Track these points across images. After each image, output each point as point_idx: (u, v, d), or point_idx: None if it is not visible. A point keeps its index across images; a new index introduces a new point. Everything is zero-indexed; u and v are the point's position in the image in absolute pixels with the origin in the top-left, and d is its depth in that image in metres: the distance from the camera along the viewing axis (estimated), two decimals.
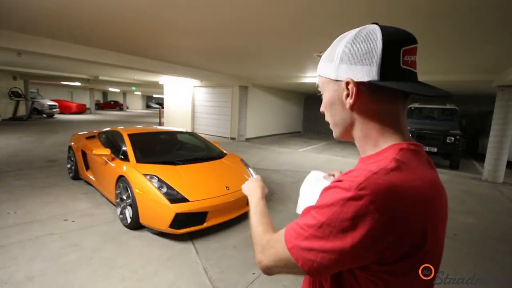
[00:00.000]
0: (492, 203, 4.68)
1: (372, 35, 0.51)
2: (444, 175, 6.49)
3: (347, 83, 0.54)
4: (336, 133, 0.64)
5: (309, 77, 8.28)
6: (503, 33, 3.18)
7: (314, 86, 9.73)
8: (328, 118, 0.63)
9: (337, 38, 0.57)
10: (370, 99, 0.54)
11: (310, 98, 15.14)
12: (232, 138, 10.78)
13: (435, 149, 7.21)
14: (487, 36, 3.36)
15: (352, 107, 0.56)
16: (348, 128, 0.60)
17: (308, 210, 0.51)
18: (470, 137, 9.35)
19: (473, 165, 7.97)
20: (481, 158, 7.70)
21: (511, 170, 6.96)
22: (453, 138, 7.00)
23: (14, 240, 2.66)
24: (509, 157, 6.24)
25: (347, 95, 0.55)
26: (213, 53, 5.64)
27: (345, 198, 0.45)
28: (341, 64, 0.54)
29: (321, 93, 0.63)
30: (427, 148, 7.33)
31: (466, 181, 6.04)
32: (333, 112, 0.61)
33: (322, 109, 0.65)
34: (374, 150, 0.56)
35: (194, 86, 11.99)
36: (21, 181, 4.38)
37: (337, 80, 0.56)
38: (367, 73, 0.51)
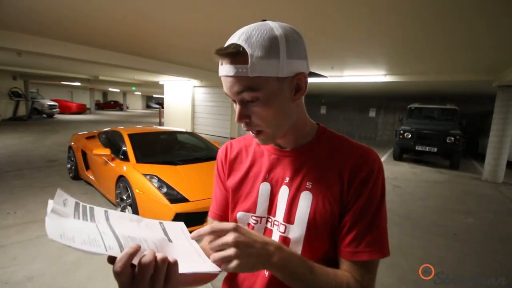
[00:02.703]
0: (492, 203, 4.68)
1: (295, 30, 0.53)
2: (444, 175, 6.50)
3: (301, 77, 0.54)
4: (278, 134, 0.58)
5: (309, 77, 8.27)
6: (503, 33, 3.18)
7: (313, 86, 9.74)
8: (268, 120, 0.54)
9: (255, 34, 0.50)
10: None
11: (309, 97, 15.16)
12: (232, 138, 10.76)
13: (435, 149, 7.21)
14: (487, 36, 3.36)
15: (297, 101, 0.56)
16: (292, 124, 0.59)
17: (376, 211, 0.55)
18: (470, 137, 9.35)
19: (473, 165, 7.97)
20: (481, 158, 7.71)
21: (511, 170, 6.96)
22: (453, 138, 7.00)
23: (14, 240, 2.66)
24: (509, 157, 6.24)
25: (296, 90, 0.55)
26: (213, 53, 5.64)
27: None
28: (289, 59, 0.51)
29: (244, 97, 0.52)
30: (427, 148, 7.34)
31: (466, 181, 6.04)
32: (278, 111, 0.54)
33: (260, 112, 0.53)
34: (308, 137, 0.62)
35: (194, 86, 11.99)
36: (21, 181, 4.38)
37: (283, 77, 0.51)
38: (306, 66, 0.55)
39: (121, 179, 3.20)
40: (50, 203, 0.41)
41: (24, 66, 11.63)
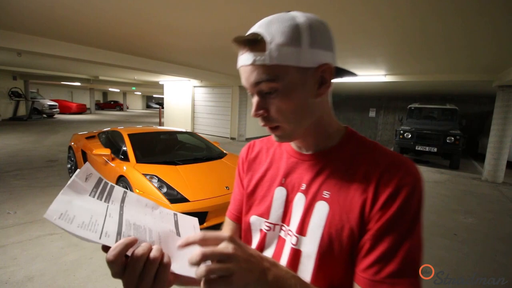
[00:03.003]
0: (492, 203, 4.68)
1: (322, 20, 0.49)
2: (444, 175, 6.50)
3: (326, 69, 0.49)
4: (296, 131, 0.52)
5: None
6: (504, 33, 3.18)
7: None
8: (287, 114, 0.49)
9: (275, 21, 0.48)
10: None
11: None
12: (232, 138, 10.78)
13: (435, 149, 7.21)
14: (487, 36, 3.36)
15: (321, 96, 0.51)
16: (313, 122, 0.53)
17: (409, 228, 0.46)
18: (470, 137, 9.35)
19: (473, 165, 7.97)
20: (481, 158, 7.71)
21: (511, 170, 6.96)
22: (453, 138, 7.01)
23: (14, 240, 2.66)
24: (509, 157, 6.24)
25: (321, 83, 0.49)
26: (213, 53, 5.65)
27: None
28: (312, 49, 0.46)
29: (262, 88, 0.48)
30: (427, 148, 7.34)
31: (466, 181, 6.04)
32: (298, 105, 0.49)
33: (279, 105, 0.48)
34: (331, 141, 0.56)
35: (194, 86, 11.99)
36: (21, 181, 4.38)
37: (305, 68, 0.47)
38: (332, 59, 0.50)
39: (121, 179, 3.20)
40: (73, 176, 0.42)
41: (24, 66, 11.63)
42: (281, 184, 0.59)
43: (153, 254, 0.38)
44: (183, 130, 4.84)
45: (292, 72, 0.47)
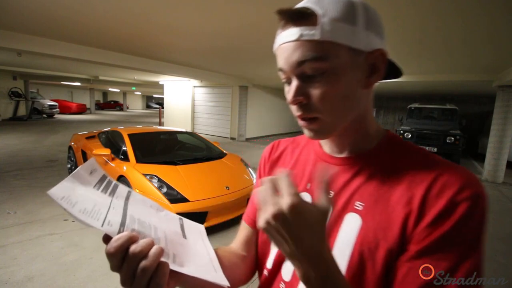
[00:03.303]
0: (492, 203, 4.68)
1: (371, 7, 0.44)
2: None
3: (380, 55, 0.43)
4: (337, 125, 0.45)
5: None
6: (503, 32, 3.18)
7: None
8: (331, 102, 0.42)
9: None
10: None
11: None
12: (232, 138, 10.78)
13: (435, 149, 7.21)
14: (487, 36, 3.36)
15: (370, 86, 0.44)
16: (356, 116, 0.46)
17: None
18: (470, 137, 9.36)
19: (473, 165, 7.97)
20: (481, 158, 7.71)
21: (511, 170, 6.96)
22: (453, 138, 7.01)
23: (14, 240, 2.66)
24: (509, 157, 6.24)
25: (371, 71, 0.43)
26: (213, 53, 5.64)
27: None
28: (367, 31, 0.41)
29: (305, 70, 0.41)
30: (427, 148, 7.33)
31: None
32: (345, 92, 0.42)
33: (324, 89, 0.41)
34: (369, 143, 0.49)
35: (194, 86, 11.99)
36: (21, 181, 4.38)
37: (358, 50, 0.41)
38: (385, 47, 0.43)
39: (121, 179, 3.20)
40: (78, 168, 0.40)
41: (24, 66, 11.63)
42: (306, 190, 0.52)
43: (153, 251, 0.35)
44: (183, 130, 4.85)
45: (343, 53, 0.40)
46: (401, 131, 7.80)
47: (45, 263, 2.34)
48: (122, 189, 0.44)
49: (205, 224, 2.87)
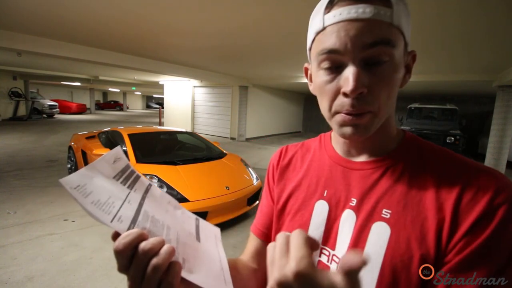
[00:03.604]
0: None
1: None
2: None
3: (414, 57, 0.42)
4: (381, 121, 0.41)
5: None
6: (503, 33, 3.18)
7: None
8: (388, 93, 0.38)
9: None
10: None
11: (310, 98, 15.15)
12: (232, 138, 10.78)
13: None
14: (487, 36, 3.36)
15: (404, 85, 0.42)
16: (390, 115, 0.44)
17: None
18: (470, 137, 9.36)
19: None
20: (481, 158, 7.71)
21: (511, 170, 6.96)
22: (453, 138, 7.01)
23: (14, 240, 2.66)
24: (509, 157, 6.25)
25: (406, 70, 0.42)
26: (213, 53, 5.65)
27: None
28: (409, 32, 0.39)
29: (375, 53, 0.36)
30: None
31: None
32: (396, 86, 0.39)
33: (387, 79, 0.38)
34: (390, 145, 0.46)
35: (194, 86, 11.99)
36: (21, 181, 4.38)
37: (407, 45, 0.39)
38: None
39: None
40: (101, 156, 0.38)
41: (24, 66, 11.63)
42: (323, 197, 0.48)
43: (165, 249, 0.31)
44: (183, 130, 4.85)
45: (402, 45, 0.38)
46: None
47: (45, 263, 2.34)
48: (143, 181, 0.42)
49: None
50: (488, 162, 6.18)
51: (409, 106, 9.10)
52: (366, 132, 0.40)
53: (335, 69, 0.38)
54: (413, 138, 0.46)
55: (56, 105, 16.14)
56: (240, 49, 5.03)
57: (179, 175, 3.14)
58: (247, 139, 10.81)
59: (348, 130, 0.40)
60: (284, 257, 0.29)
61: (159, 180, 2.96)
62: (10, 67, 11.78)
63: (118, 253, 0.30)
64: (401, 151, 0.45)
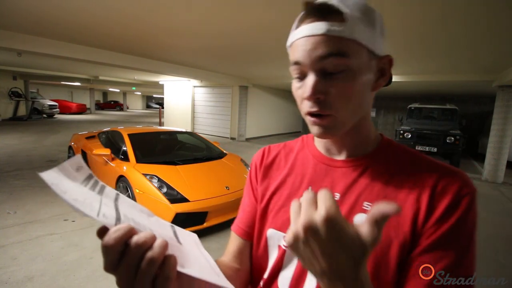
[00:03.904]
0: (492, 203, 4.67)
1: None
2: None
3: (389, 61, 0.45)
4: (346, 124, 0.45)
5: None
6: (504, 32, 3.18)
7: None
8: (346, 99, 0.42)
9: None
10: None
11: None
12: (232, 138, 10.78)
13: (435, 149, 7.21)
14: (487, 36, 3.36)
15: (377, 89, 0.46)
16: (362, 117, 0.48)
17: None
18: (470, 137, 9.36)
19: (473, 165, 7.97)
20: (481, 158, 7.71)
21: (511, 170, 6.96)
22: (453, 138, 7.00)
23: (14, 240, 2.66)
24: (509, 157, 6.24)
25: (380, 75, 0.45)
26: (213, 53, 5.65)
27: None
28: (382, 36, 0.43)
29: (327, 65, 0.41)
30: (427, 148, 7.34)
31: None
32: (359, 92, 0.43)
33: (343, 87, 0.42)
34: (369, 146, 0.50)
35: (194, 86, 11.99)
36: (21, 181, 4.38)
37: (374, 53, 0.43)
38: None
39: (121, 179, 3.20)
40: (63, 162, 0.37)
41: (24, 66, 11.63)
42: None
43: (155, 248, 0.30)
44: (183, 130, 4.85)
45: (363, 53, 0.42)
46: (401, 131, 7.78)
47: (45, 263, 2.34)
48: (110, 190, 0.41)
49: (205, 224, 2.87)
50: (488, 162, 6.18)
51: (409, 106, 9.10)
52: (331, 133, 0.45)
53: (302, 77, 0.44)
54: (389, 141, 0.52)
55: (56, 105, 16.13)
56: (240, 49, 5.03)
57: (179, 175, 3.14)
58: (247, 139, 10.81)
59: (315, 129, 0.46)
60: (312, 207, 0.30)
61: (159, 180, 2.96)
62: (10, 67, 11.78)
63: (109, 248, 0.29)
64: (379, 152, 0.50)
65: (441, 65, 5.45)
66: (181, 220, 2.74)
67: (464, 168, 7.41)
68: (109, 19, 3.61)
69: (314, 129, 0.46)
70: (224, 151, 4.24)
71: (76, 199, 0.30)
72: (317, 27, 0.40)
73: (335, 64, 0.41)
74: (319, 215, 0.29)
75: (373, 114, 13.66)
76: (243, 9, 2.98)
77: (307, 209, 0.30)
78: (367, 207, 0.45)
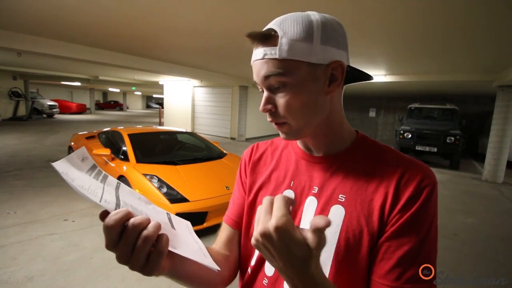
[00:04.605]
0: (492, 203, 4.68)
1: (337, 21, 0.50)
2: (444, 175, 6.49)
3: (337, 66, 0.48)
4: (304, 129, 0.51)
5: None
6: (504, 32, 3.18)
7: None
8: (294, 110, 0.48)
9: (289, 18, 0.47)
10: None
11: None
12: (232, 138, 10.78)
13: (435, 149, 7.21)
14: (488, 36, 3.36)
15: (332, 94, 0.50)
16: (322, 121, 0.52)
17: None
18: (470, 137, 9.36)
19: (473, 165, 7.97)
20: (481, 158, 7.71)
21: (511, 170, 6.96)
22: (453, 138, 7.00)
23: (14, 240, 2.66)
24: (509, 157, 6.24)
25: (330, 80, 0.49)
26: (213, 53, 5.64)
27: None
28: (324, 45, 0.46)
29: (271, 83, 0.48)
30: (427, 148, 7.34)
31: (466, 181, 6.04)
32: (307, 101, 0.48)
33: (287, 100, 0.47)
34: (344, 144, 0.55)
35: (194, 86, 11.99)
36: (21, 181, 4.38)
37: (316, 64, 0.47)
38: (346, 58, 0.50)
39: (121, 179, 3.20)
40: (71, 154, 0.42)
41: (24, 66, 11.63)
42: (289, 187, 0.57)
43: (150, 228, 0.37)
44: (183, 130, 4.85)
45: (302, 67, 0.46)
46: (401, 131, 7.78)
47: (45, 263, 2.34)
48: (112, 179, 0.46)
49: (205, 224, 2.87)
50: (488, 162, 6.18)
51: (409, 106, 9.10)
52: (292, 137, 0.52)
53: (262, 92, 0.51)
54: (363, 137, 0.57)
55: (56, 105, 16.13)
56: (240, 49, 5.03)
57: (179, 175, 3.14)
58: (247, 139, 10.81)
59: (281, 134, 0.53)
60: (268, 214, 0.37)
61: (159, 180, 2.96)
62: (10, 67, 11.78)
63: (109, 229, 0.35)
64: (353, 148, 0.55)
65: (441, 65, 5.45)
66: None
67: (464, 168, 7.41)
68: (109, 19, 3.61)
69: (280, 134, 0.54)
70: (224, 151, 4.24)
71: (83, 186, 0.36)
72: (258, 52, 0.47)
73: (275, 82, 0.47)
74: (271, 224, 0.35)
75: (373, 114, 13.66)
76: (243, 9, 2.98)
77: (264, 217, 0.37)
78: (341, 198, 0.50)
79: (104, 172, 0.46)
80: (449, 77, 6.38)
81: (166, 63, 7.19)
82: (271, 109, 0.49)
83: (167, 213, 0.49)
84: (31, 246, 2.59)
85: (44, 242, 2.68)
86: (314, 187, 0.54)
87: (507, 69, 5.21)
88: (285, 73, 0.46)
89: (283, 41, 0.45)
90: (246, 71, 8.19)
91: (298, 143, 0.60)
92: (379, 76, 7.06)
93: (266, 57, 0.46)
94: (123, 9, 3.16)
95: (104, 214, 0.36)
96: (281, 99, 0.48)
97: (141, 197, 0.47)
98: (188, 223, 0.52)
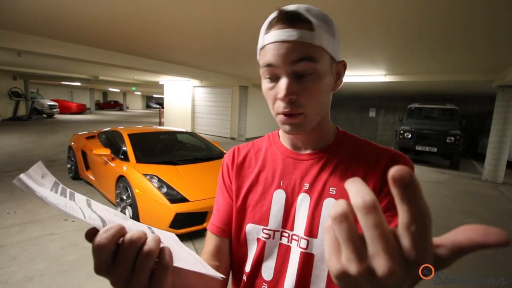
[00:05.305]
0: (492, 203, 4.67)
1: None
2: (444, 175, 6.49)
3: (344, 66, 0.53)
4: (314, 120, 0.51)
5: None
6: (504, 32, 3.18)
7: None
8: (315, 98, 0.48)
9: (313, 9, 0.48)
10: None
11: None
12: (232, 138, 10.78)
13: (435, 149, 7.21)
14: (487, 36, 3.36)
15: (335, 90, 0.53)
16: (325, 115, 0.55)
17: None
18: (470, 137, 9.35)
19: (473, 165, 7.97)
20: (481, 158, 7.71)
21: (511, 170, 6.96)
22: (453, 138, 7.00)
23: (14, 240, 2.66)
24: (509, 157, 6.24)
25: (337, 78, 0.53)
26: (213, 53, 5.64)
27: None
28: (338, 45, 0.50)
29: (298, 69, 0.46)
30: (427, 148, 7.34)
31: (466, 181, 6.04)
32: (324, 92, 0.49)
33: (312, 88, 0.47)
34: (328, 140, 0.57)
35: (194, 86, 11.99)
36: None
37: (333, 59, 0.49)
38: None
39: (121, 179, 3.20)
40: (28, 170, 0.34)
41: (24, 66, 11.62)
42: (279, 187, 0.56)
43: (150, 242, 0.30)
44: (183, 130, 4.85)
45: (327, 58, 0.48)
46: (401, 131, 7.78)
47: (45, 263, 2.34)
48: (80, 197, 0.39)
49: (205, 224, 2.87)
50: (488, 162, 6.18)
51: (409, 106, 9.10)
52: (301, 129, 0.50)
53: (274, 79, 0.49)
54: (344, 133, 0.59)
55: (56, 105, 16.12)
56: (240, 49, 5.02)
57: (179, 175, 3.14)
58: (247, 139, 10.81)
59: (287, 127, 0.50)
60: (360, 241, 0.21)
61: (159, 180, 2.96)
62: (10, 67, 11.77)
63: (101, 249, 0.28)
64: (337, 143, 0.57)
65: (441, 65, 5.45)
66: (181, 220, 2.74)
67: (464, 168, 7.41)
68: (109, 19, 3.61)
69: (285, 127, 0.51)
70: (224, 151, 4.24)
71: (58, 203, 0.30)
72: (290, 33, 0.45)
73: (305, 67, 0.46)
74: (382, 269, 0.21)
75: (373, 114, 13.65)
76: (243, 8, 2.98)
77: (354, 242, 0.22)
78: (333, 191, 0.52)
79: (69, 190, 0.39)
80: (449, 77, 6.38)
81: (166, 63, 7.19)
82: (294, 97, 0.47)
83: (149, 227, 0.43)
84: (31, 246, 2.59)
85: (44, 242, 2.68)
86: (305, 184, 0.54)
87: (507, 69, 5.21)
88: (316, 59, 0.46)
89: (318, 28, 0.45)
90: (246, 71, 8.19)
91: (283, 141, 0.61)
92: (379, 76, 7.06)
93: (301, 40, 0.44)
94: (123, 8, 3.16)
95: (92, 233, 0.30)
96: (305, 87, 0.47)
97: (117, 213, 0.41)
98: (174, 235, 0.47)
